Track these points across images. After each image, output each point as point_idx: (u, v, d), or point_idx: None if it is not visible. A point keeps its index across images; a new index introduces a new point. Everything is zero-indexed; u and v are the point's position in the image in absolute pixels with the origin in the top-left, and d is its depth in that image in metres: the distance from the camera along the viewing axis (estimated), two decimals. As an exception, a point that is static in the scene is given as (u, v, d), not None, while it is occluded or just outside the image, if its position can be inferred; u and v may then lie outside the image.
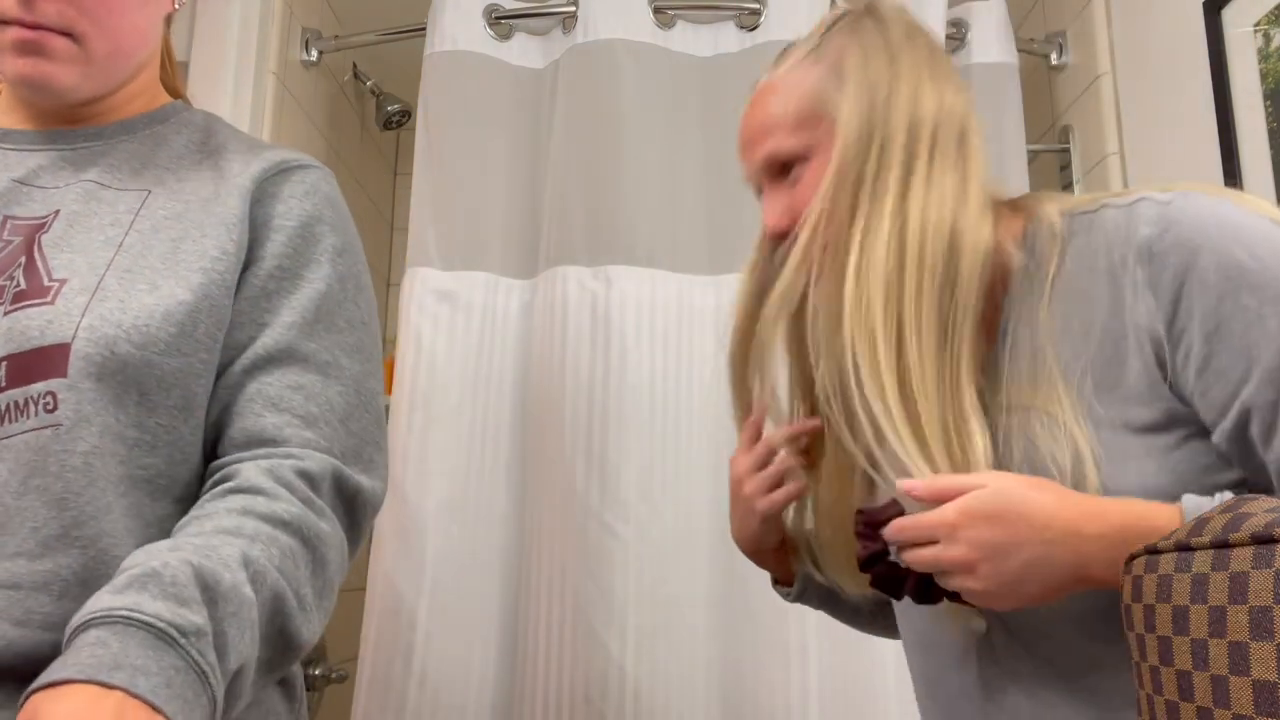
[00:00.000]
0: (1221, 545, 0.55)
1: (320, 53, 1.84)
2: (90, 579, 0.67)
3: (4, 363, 0.69)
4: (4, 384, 0.68)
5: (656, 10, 1.62)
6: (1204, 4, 1.33)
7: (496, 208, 1.60)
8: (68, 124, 0.82)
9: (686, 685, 1.39)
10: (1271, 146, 1.20)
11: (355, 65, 2.13)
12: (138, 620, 0.56)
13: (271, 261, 0.79)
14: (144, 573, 0.59)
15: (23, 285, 0.72)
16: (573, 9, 1.61)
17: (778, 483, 0.85)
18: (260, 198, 0.81)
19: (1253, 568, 0.51)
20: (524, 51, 1.67)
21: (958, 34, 1.66)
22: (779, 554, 0.92)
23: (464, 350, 1.53)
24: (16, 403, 0.68)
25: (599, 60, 1.58)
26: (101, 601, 0.58)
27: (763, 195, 0.84)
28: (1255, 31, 1.24)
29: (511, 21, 1.65)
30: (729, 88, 1.61)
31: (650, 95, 1.58)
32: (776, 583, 0.96)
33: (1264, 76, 1.22)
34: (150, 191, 0.80)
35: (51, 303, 0.71)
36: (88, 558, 0.68)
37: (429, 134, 1.60)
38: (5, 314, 0.70)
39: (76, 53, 0.77)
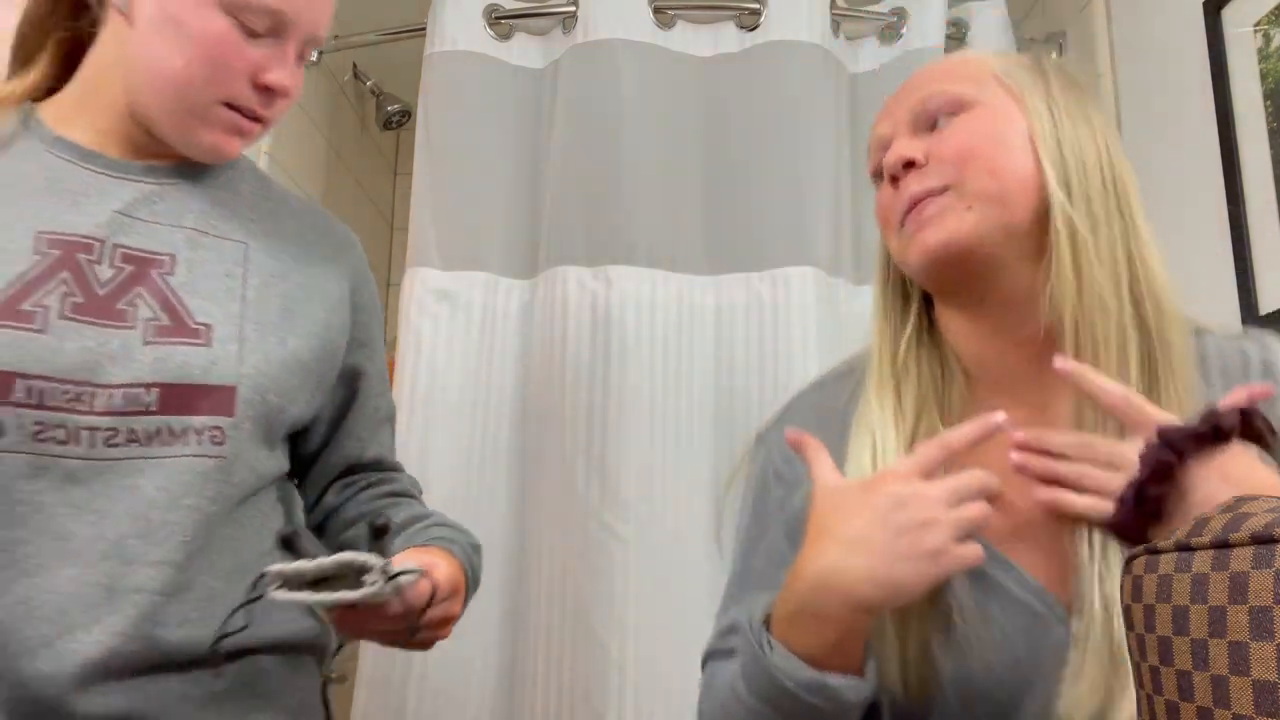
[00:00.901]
0: (1221, 545, 0.55)
1: (320, 52, 1.84)
2: (220, 592, 0.79)
3: (156, 389, 0.77)
4: (155, 408, 0.77)
5: (656, 10, 1.62)
6: (1204, 4, 1.33)
7: (496, 208, 1.60)
8: (155, 158, 0.87)
9: (686, 685, 1.39)
10: (1271, 146, 1.20)
11: (355, 65, 2.13)
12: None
13: (379, 383, 1.00)
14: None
15: (164, 320, 0.80)
16: (573, 9, 1.61)
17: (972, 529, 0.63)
18: (355, 285, 0.96)
19: (1253, 568, 0.51)
20: (524, 51, 1.67)
21: (958, 34, 1.66)
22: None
23: (464, 350, 1.53)
24: (172, 428, 0.78)
25: (599, 60, 1.58)
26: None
27: (890, 146, 0.76)
28: (1255, 31, 1.24)
29: (511, 21, 1.65)
30: (729, 88, 1.61)
31: (650, 95, 1.58)
32: (816, 670, 0.64)
33: (1264, 76, 1.22)
34: (247, 245, 0.88)
35: (208, 345, 0.80)
36: (217, 572, 0.80)
37: (429, 134, 1.60)
38: (149, 344, 0.78)
39: (261, 131, 0.88)
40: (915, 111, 0.75)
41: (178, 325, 0.80)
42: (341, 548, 0.72)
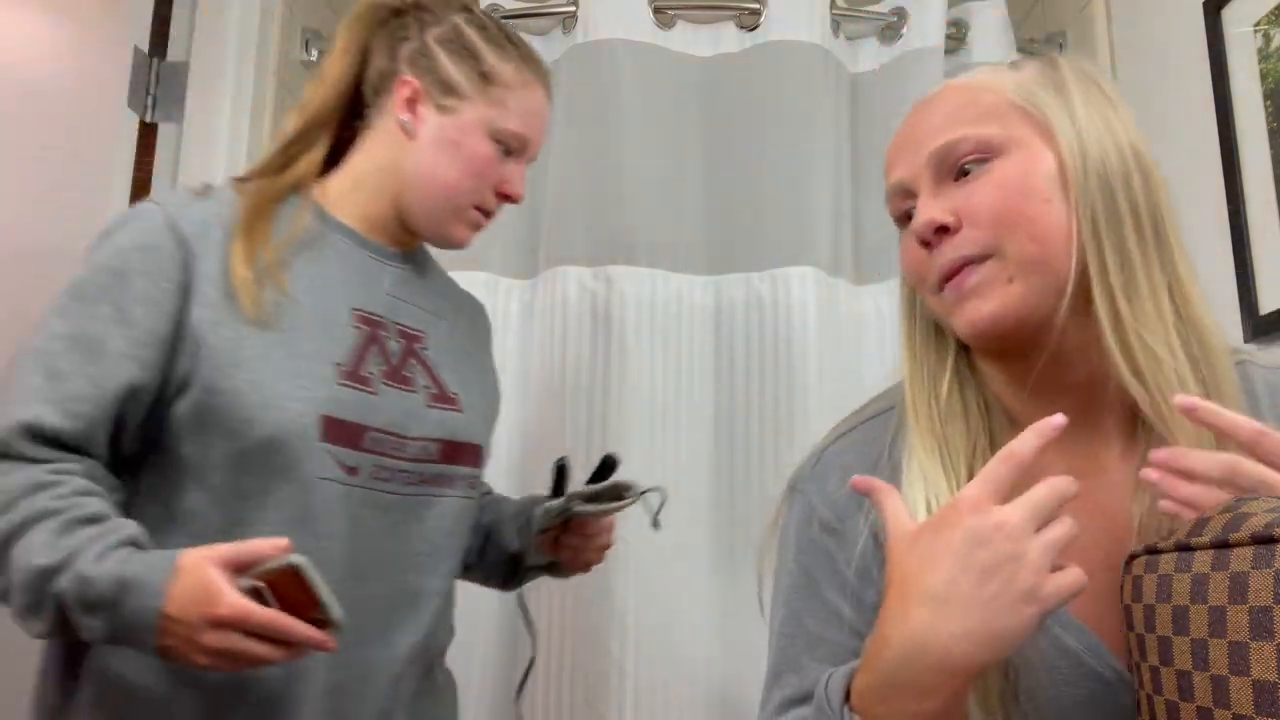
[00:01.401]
0: (1221, 545, 0.55)
1: (320, 53, 1.84)
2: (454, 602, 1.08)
3: (437, 444, 1.00)
4: (437, 458, 1.00)
5: (656, 10, 1.62)
6: (1204, 4, 1.33)
7: (496, 208, 1.59)
8: (399, 244, 1.06)
9: (686, 685, 1.39)
10: (1271, 146, 1.20)
11: (355, 65, 2.12)
12: None
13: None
14: None
15: (434, 389, 1.01)
16: (573, 9, 1.61)
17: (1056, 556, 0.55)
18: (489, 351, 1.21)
19: (1253, 568, 0.51)
20: (524, 51, 1.67)
21: (958, 34, 1.66)
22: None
23: (464, 350, 1.53)
24: (446, 475, 1.01)
25: (599, 60, 1.58)
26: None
27: (916, 200, 0.72)
28: (1255, 31, 1.24)
29: (511, 21, 1.65)
30: (729, 88, 1.61)
31: (650, 95, 1.58)
32: None
33: (1264, 76, 1.22)
34: (450, 321, 1.10)
35: (462, 411, 1.03)
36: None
37: (429, 134, 1.60)
38: (429, 407, 1.00)
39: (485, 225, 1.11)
40: (939, 158, 0.70)
41: (441, 393, 1.02)
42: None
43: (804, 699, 0.66)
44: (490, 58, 1.02)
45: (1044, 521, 0.54)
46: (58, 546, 0.77)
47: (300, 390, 0.89)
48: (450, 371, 1.04)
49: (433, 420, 0.99)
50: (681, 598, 1.41)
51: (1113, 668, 0.63)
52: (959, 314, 0.69)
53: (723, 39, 1.64)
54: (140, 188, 1.52)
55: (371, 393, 0.94)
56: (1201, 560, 0.56)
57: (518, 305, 1.57)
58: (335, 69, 1.04)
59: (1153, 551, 0.63)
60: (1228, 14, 1.29)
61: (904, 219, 0.74)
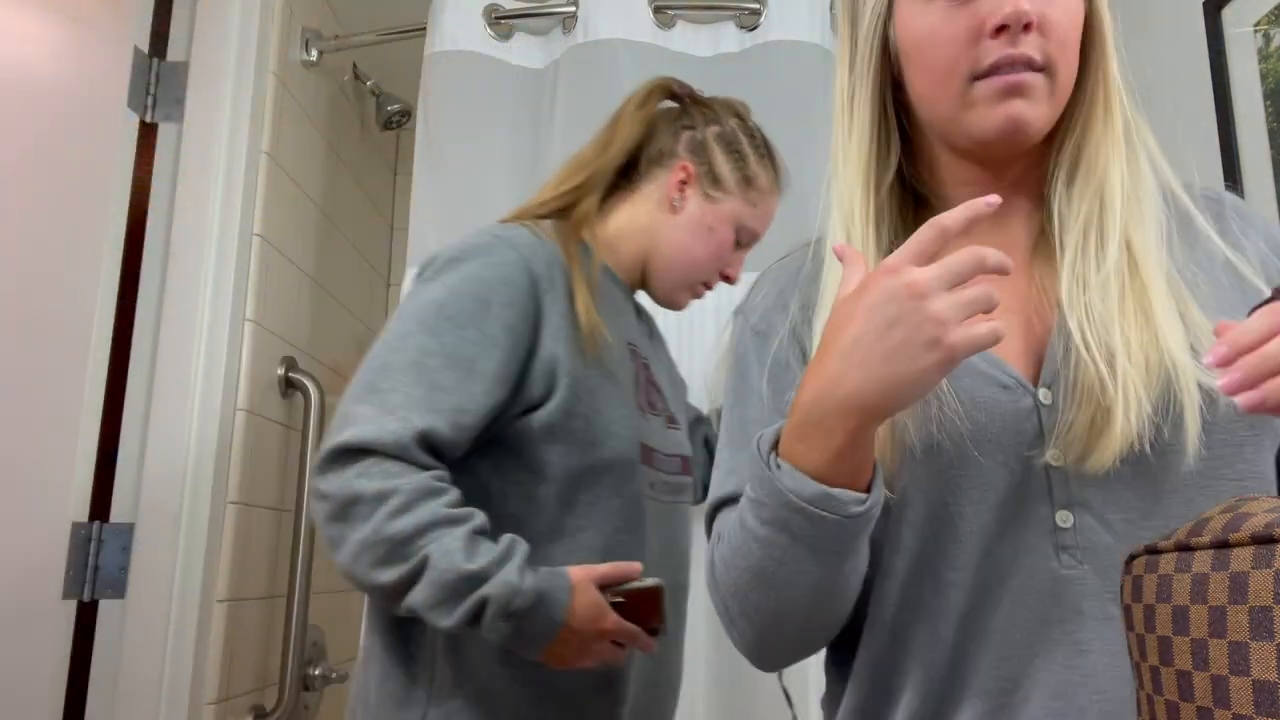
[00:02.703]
0: (1221, 545, 0.55)
1: (320, 53, 1.84)
2: None
3: (678, 459, 1.16)
4: (680, 471, 1.16)
5: (656, 10, 1.62)
6: (1204, 4, 1.33)
7: (497, 207, 1.59)
8: (633, 288, 1.22)
9: (686, 685, 1.39)
10: (1271, 146, 1.20)
11: (355, 65, 2.13)
12: None
13: None
14: None
15: (666, 411, 1.17)
16: (573, 9, 1.61)
17: (974, 316, 0.57)
18: None
19: (1253, 568, 0.51)
20: (524, 51, 1.67)
21: (958, 34, 1.66)
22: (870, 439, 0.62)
23: (464, 350, 1.53)
24: (683, 485, 1.18)
25: (599, 60, 1.58)
26: None
27: None
28: (1255, 31, 1.24)
29: (511, 21, 1.65)
30: (729, 88, 1.60)
31: (650, 95, 1.58)
32: (820, 491, 0.61)
33: (1264, 76, 1.22)
34: (654, 347, 1.26)
35: (680, 430, 1.20)
36: None
37: (429, 134, 1.60)
38: (668, 429, 1.15)
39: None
40: None
41: (669, 416, 1.17)
42: None
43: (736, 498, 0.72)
44: (754, 164, 1.20)
45: (958, 282, 0.57)
46: (477, 554, 0.90)
47: (627, 419, 1.06)
48: (667, 391, 1.20)
49: (673, 440, 1.16)
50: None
51: (1010, 374, 0.68)
52: (1000, 108, 0.70)
53: (723, 39, 1.64)
54: (140, 188, 1.52)
55: (654, 417, 1.13)
56: (1201, 560, 0.56)
57: (518, 305, 1.57)
58: (625, 134, 1.19)
59: (1153, 551, 0.63)
60: (1228, 14, 1.29)
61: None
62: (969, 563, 0.66)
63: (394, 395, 0.94)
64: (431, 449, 0.94)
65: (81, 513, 1.39)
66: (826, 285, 0.75)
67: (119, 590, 1.41)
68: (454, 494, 0.94)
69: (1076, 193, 0.74)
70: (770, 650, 0.71)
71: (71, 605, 1.37)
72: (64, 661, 1.34)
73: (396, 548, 0.89)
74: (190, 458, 1.45)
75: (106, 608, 1.41)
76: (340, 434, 0.93)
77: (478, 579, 0.89)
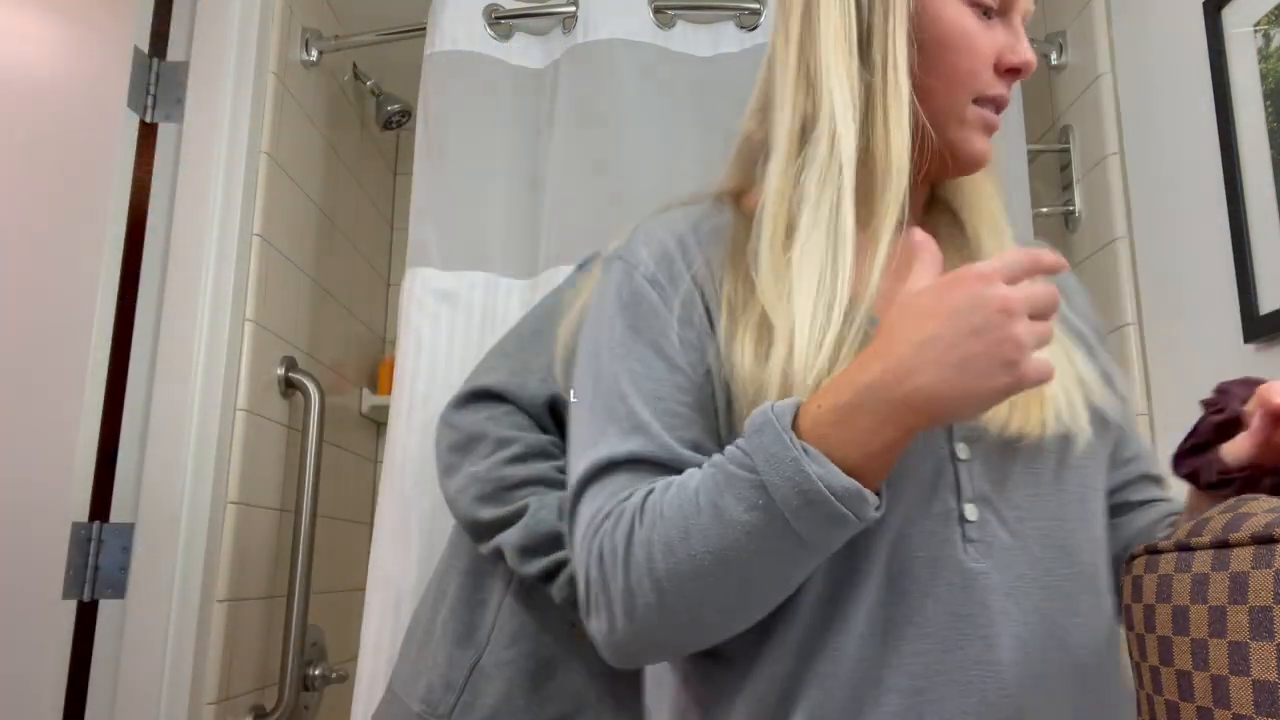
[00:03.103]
0: (1221, 545, 0.55)
1: (320, 53, 1.84)
2: None
3: None
4: None
5: (656, 10, 1.62)
6: (1204, 4, 1.32)
7: (496, 207, 1.59)
8: None
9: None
10: (1271, 146, 1.20)
11: (355, 65, 2.12)
12: None
13: None
14: None
15: None
16: (573, 9, 1.61)
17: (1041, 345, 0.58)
18: None
19: (1253, 568, 0.51)
20: (524, 51, 1.67)
21: (958, 34, 1.66)
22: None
23: (464, 350, 1.52)
24: None
25: (599, 60, 1.58)
26: None
27: (1009, 15, 0.75)
28: (1255, 31, 1.24)
29: (511, 21, 1.65)
30: (729, 88, 1.60)
31: (650, 95, 1.58)
32: (853, 488, 0.58)
33: (1264, 76, 1.22)
34: None
35: None
36: None
37: (429, 134, 1.60)
38: None
39: None
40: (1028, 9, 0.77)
41: None
42: None
43: (653, 460, 0.66)
44: None
45: (1040, 315, 0.58)
46: None
47: None
48: None
49: None
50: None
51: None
52: (983, 140, 0.75)
53: (723, 39, 1.64)
54: (140, 188, 1.52)
55: None
56: (1201, 560, 0.56)
57: (518, 305, 1.57)
58: None
59: (1153, 551, 0.63)
60: (1228, 14, 1.29)
61: (982, 11, 0.74)
62: (880, 553, 0.65)
63: (540, 358, 1.00)
64: (558, 418, 0.99)
65: (81, 513, 1.39)
66: (760, 252, 0.71)
67: (119, 590, 1.41)
68: (562, 461, 0.97)
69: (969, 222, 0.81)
70: (663, 645, 0.64)
71: (71, 605, 1.37)
72: (64, 661, 1.35)
73: (502, 490, 0.96)
74: (190, 458, 1.45)
75: (106, 608, 1.41)
76: (483, 378, 1.02)
77: (563, 542, 0.92)
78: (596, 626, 0.65)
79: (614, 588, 0.62)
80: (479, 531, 0.98)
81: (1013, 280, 0.58)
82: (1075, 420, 0.69)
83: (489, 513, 0.96)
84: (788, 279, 0.69)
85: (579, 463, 0.68)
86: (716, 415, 0.69)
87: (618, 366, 0.70)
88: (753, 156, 0.83)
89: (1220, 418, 0.66)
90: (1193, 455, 0.67)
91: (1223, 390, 0.68)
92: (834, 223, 0.69)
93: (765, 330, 0.68)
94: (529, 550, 0.94)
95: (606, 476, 0.66)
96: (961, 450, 0.68)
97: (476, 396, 1.02)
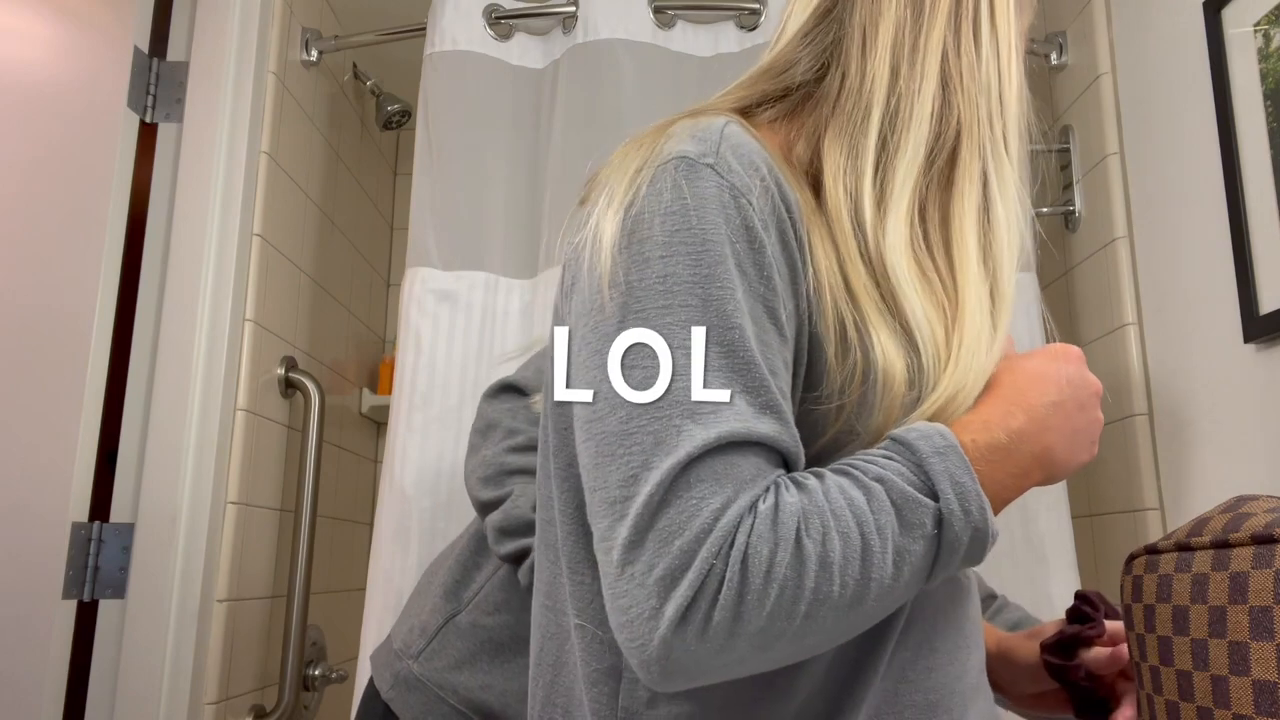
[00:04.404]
0: (1221, 545, 0.55)
1: (320, 53, 1.84)
2: None
3: None
4: None
5: (656, 10, 1.62)
6: (1204, 4, 1.32)
7: (496, 207, 1.59)
8: None
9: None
10: (1271, 146, 1.20)
11: (355, 65, 2.12)
12: None
13: None
14: None
15: None
16: (573, 9, 1.61)
17: None
18: None
19: (1253, 568, 0.51)
20: (524, 51, 1.67)
21: (958, 34, 1.66)
22: None
23: (464, 350, 1.53)
24: None
25: (599, 60, 1.58)
26: None
27: None
28: (1255, 31, 1.24)
29: (511, 21, 1.65)
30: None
31: (650, 95, 1.58)
32: (995, 527, 0.56)
33: (1264, 76, 1.22)
34: None
35: None
36: None
37: (429, 134, 1.60)
38: None
39: None
40: None
41: None
42: None
43: (783, 452, 0.56)
44: None
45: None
46: None
47: None
48: None
49: None
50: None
51: None
52: None
53: (723, 39, 1.64)
54: (140, 188, 1.52)
55: None
56: (1201, 560, 0.56)
57: (518, 305, 1.57)
58: None
59: (1153, 551, 0.63)
60: (1228, 14, 1.29)
61: None
62: None
63: None
64: None
65: (81, 513, 1.39)
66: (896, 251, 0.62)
67: (119, 590, 1.41)
68: None
69: None
70: (733, 672, 0.54)
71: (71, 605, 1.37)
72: (64, 661, 1.34)
73: (501, 475, 1.05)
74: (190, 458, 1.45)
75: (106, 608, 1.41)
76: (517, 373, 1.13)
77: (531, 530, 0.98)
78: (692, 639, 0.51)
79: (760, 602, 0.51)
80: (480, 509, 1.07)
81: None
82: None
83: (487, 494, 1.05)
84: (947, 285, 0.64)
85: (703, 415, 0.53)
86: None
87: (739, 316, 0.55)
88: (781, 87, 0.70)
89: (1094, 633, 0.78)
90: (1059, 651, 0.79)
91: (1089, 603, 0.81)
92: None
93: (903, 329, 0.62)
94: (505, 532, 1.01)
95: (737, 455, 0.53)
96: None
97: (504, 389, 1.12)
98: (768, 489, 0.53)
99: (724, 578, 0.51)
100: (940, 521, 0.53)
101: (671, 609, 0.51)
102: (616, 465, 0.53)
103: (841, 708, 0.60)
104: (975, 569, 0.80)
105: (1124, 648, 0.75)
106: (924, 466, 0.54)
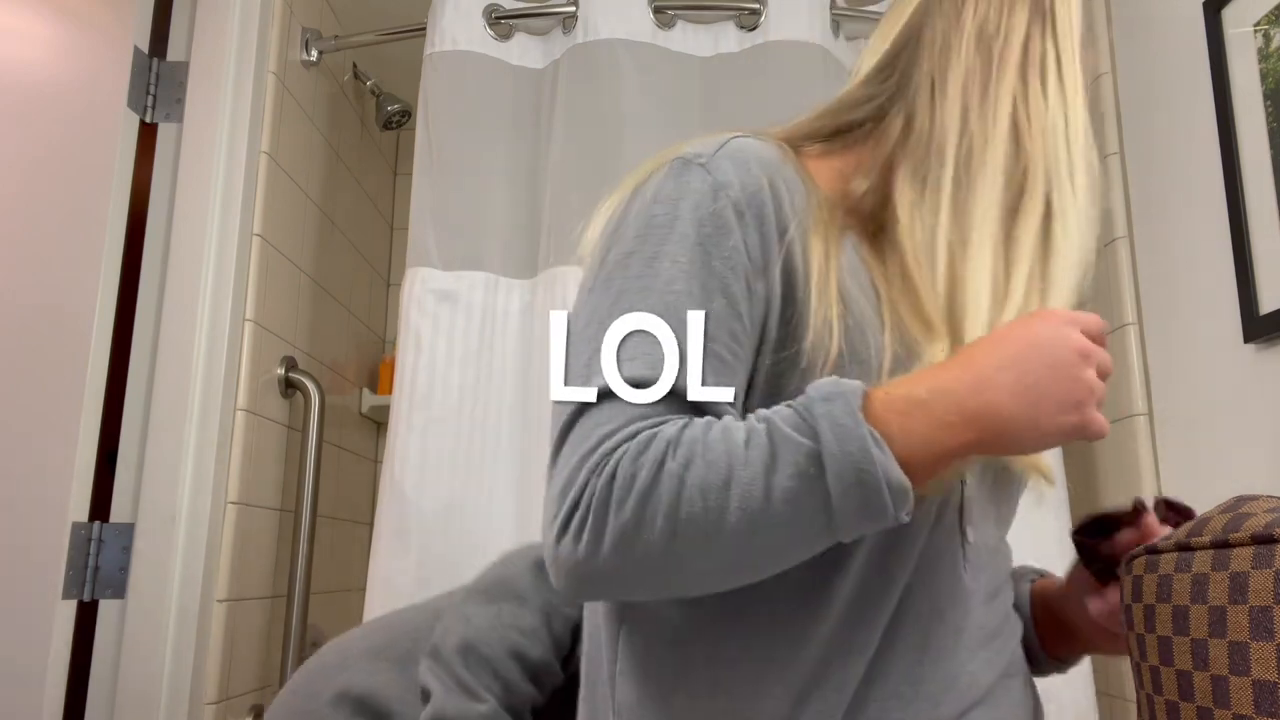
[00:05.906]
0: (1221, 545, 0.55)
1: (320, 53, 1.84)
2: None
3: None
4: None
5: (656, 10, 1.62)
6: (1204, 4, 1.32)
7: (497, 207, 1.59)
8: None
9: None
10: (1271, 146, 1.20)
11: (355, 65, 2.12)
12: None
13: None
14: None
15: None
16: (573, 9, 1.61)
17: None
18: None
19: (1253, 568, 0.51)
20: (524, 51, 1.67)
21: (958, 34, 1.66)
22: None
23: (464, 350, 1.53)
24: None
25: (599, 60, 1.58)
26: None
27: None
28: (1255, 31, 1.23)
29: (511, 21, 1.65)
30: (729, 88, 1.60)
31: (650, 95, 1.58)
32: (905, 485, 0.57)
33: (1264, 76, 1.22)
34: None
35: None
36: None
37: (429, 134, 1.60)
38: None
39: None
40: None
41: None
42: None
43: (686, 401, 0.60)
44: None
45: (1100, 375, 0.60)
46: None
47: None
48: None
49: None
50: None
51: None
52: None
53: (723, 39, 1.64)
54: (140, 188, 1.52)
55: None
56: (1201, 560, 0.56)
57: (518, 305, 1.57)
58: None
59: (1153, 551, 0.63)
60: (1228, 14, 1.29)
61: None
62: (910, 561, 0.66)
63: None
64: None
65: (81, 513, 1.39)
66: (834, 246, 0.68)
67: (119, 590, 1.41)
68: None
69: None
70: (631, 587, 0.61)
71: (71, 605, 1.36)
72: (64, 661, 1.34)
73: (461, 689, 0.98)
74: (190, 458, 1.45)
75: (106, 608, 1.41)
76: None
77: None
78: (568, 547, 0.58)
79: (618, 514, 0.57)
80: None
81: (1089, 336, 0.60)
82: (1038, 463, 0.69)
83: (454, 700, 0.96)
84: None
85: (603, 362, 0.61)
86: (750, 380, 0.66)
87: (683, 282, 0.62)
88: (848, 120, 0.77)
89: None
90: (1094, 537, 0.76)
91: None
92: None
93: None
94: None
95: (645, 395, 0.60)
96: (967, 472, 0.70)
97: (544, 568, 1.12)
98: (659, 424, 0.59)
99: (594, 491, 0.58)
100: (820, 463, 0.55)
101: (560, 520, 0.59)
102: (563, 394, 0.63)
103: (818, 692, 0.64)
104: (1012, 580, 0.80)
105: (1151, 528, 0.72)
106: (810, 409, 0.57)
